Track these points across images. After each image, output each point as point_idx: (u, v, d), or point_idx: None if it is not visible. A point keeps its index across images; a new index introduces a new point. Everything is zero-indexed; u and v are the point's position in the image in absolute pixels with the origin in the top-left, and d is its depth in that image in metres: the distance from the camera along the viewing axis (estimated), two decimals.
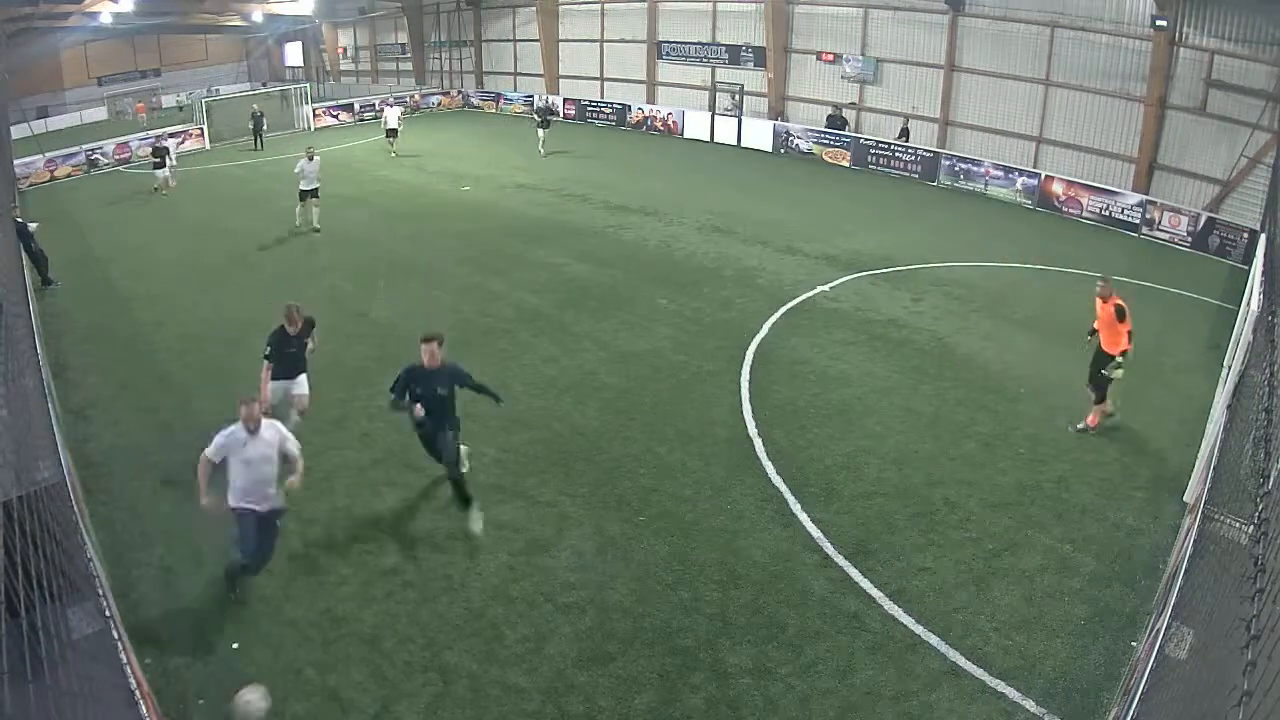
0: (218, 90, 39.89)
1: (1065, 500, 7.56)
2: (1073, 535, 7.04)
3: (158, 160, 21.03)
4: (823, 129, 23.68)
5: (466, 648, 5.82)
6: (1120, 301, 8.23)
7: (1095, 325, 8.60)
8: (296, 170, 16.35)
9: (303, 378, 8.24)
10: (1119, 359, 8.21)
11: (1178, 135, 17.26)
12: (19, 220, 13.69)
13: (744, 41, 26.18)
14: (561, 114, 31.52)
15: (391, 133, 25.41)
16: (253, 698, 4.66)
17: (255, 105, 28.03)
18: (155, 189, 20.86)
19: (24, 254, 13.50)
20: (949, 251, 14.97)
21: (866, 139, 22.70)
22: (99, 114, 39.00)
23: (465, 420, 8.96)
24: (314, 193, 16.47)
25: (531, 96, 33.64)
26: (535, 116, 26.15)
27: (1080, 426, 8.63)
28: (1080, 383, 9.68)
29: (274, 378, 7.93)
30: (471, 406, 9.29)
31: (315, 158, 16.45)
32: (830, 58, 24.03)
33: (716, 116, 26.54)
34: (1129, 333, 8.19)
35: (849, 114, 23.84)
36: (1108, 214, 17.41)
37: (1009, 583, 6.47)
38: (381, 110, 28.85)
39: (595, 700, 5.38)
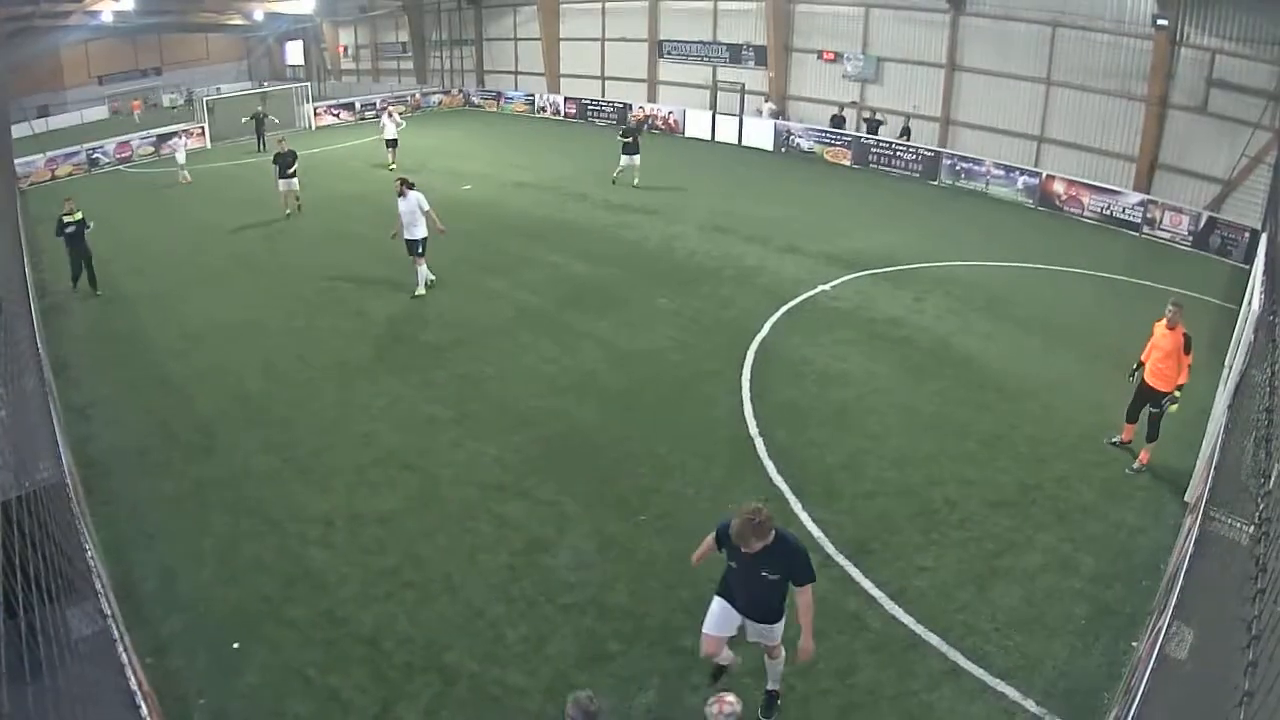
0: (219, 89, 39.90)
1: (1066, 500, 7.55)
2: (1073, 535, 7.03)
3: (284, 166, 17.03)
4: (824, 128, 23.70)
5: (467, 648, 5.82)
6: (1186, 330, 7.73)
7: (1144, 357, 7.96)
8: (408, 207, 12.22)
9: (779, 627, 4.96)
10: (1176, 393, 7.69)
11: (1179, 135, 17.23)
12: (74, 220, 12.79)
13: (745, 40, 26.17)
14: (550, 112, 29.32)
15: (391, 144, 22.82)
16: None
17: (259, 106, 27.81)
18: (286, 213, 17.38)
19: (73, 253, 12.86)
20: (950, 251, 14.95)
21: (867, 138, 22.69)
22: (100, 113, 39.02)
23: (467, 420, 9.04)
24: (421, 246, 12.34)
25: (529, 98, 33.55)
26: (621, 137, 19.98)
27: (1135, 467, 8.06)
28: (1082, 389, 9.70)
29: (724, 594, 4.97)
30: (471, 404, 9.36)
31: (409, 192, 12.21)
32: (831, 57, 24.03)
33: (718, 115, 26.51)
34: (1189, 365, 7.72)
35: (849, 113, 23.86)
36: (1109, 213, 17.39)
37: (1010, 582, 6.46)
38: (380, 117, 24.20)
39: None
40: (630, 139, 19.61)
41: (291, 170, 17.16)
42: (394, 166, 22.26)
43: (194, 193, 20.80)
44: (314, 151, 26.18)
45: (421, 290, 12.59)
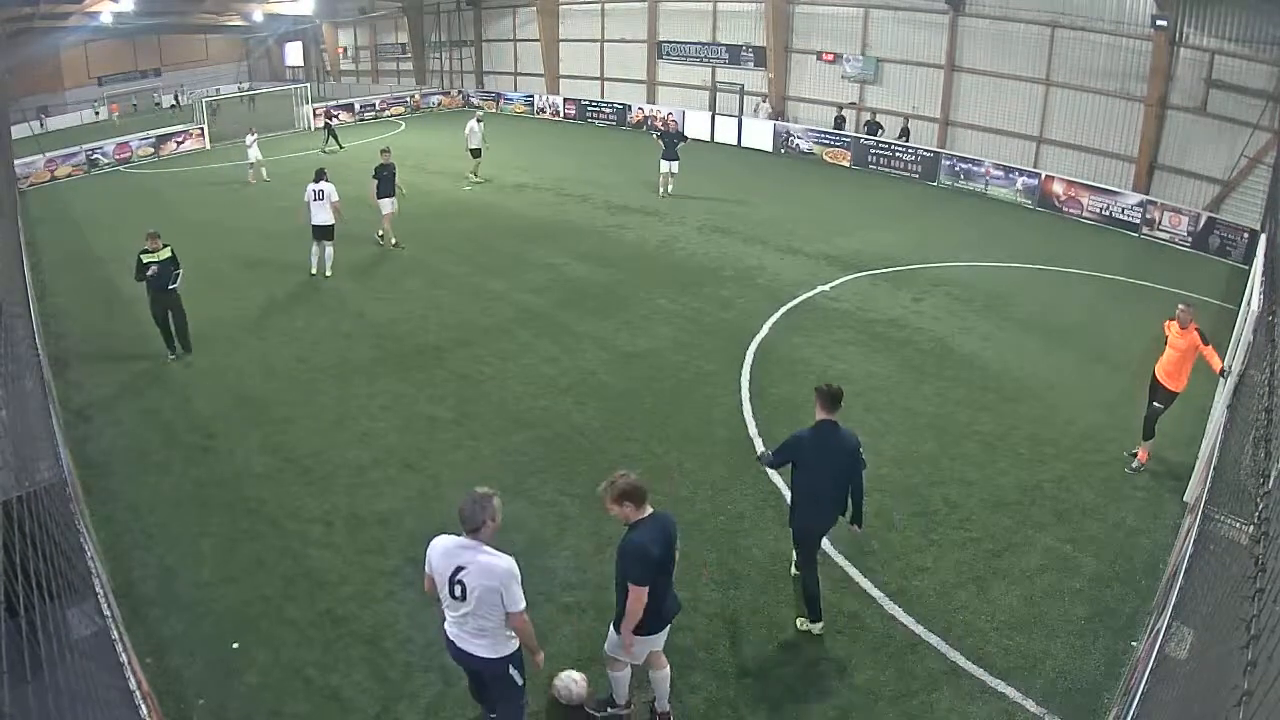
0: (218, 90, 39.95)
1: (1065, 500, 7.55)
2: (1073, 535, 7.04)
3: (386, 183, 14.57)
4: (823, 129, 23.73)
5: None
6: (1199, 327, 7.72)
7: (1164, 366, 7.83)
8: (306, 198, 13.23)
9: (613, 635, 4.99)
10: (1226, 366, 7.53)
11: (1178, 135, 17.27)
12: (156, 259, 9.92)
13: (744, 41, 26.20)
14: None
15: (475, 153, 20.66)
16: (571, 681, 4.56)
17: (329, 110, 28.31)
18: (392, 242, 14.94)
19: (156, 302, 10.17)
20: (949, 251, 14.97)
21: (866, 139, 22.71)
22: (92, 114, 39.08)
23: (467, 420, 9.04)
24: (329, 231, 13.42)
25: (528, 99, 33.53)
26: (660, 142, 18.75)
27: (1134, 466, 8.03)
28: (1082, 389, 9.69)
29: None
30: (471, 404, 9.36)
31: (325, 182, 13.25)
32: (830, 57, 24.06)
33: (717, 116, 26.53)
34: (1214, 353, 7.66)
35: (847, 113, 23.88)
36: (1108, 214, 17.41)
37: (1009, 583, 6.46)
38: (469, 122, 21.07)
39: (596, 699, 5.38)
40: (669, 145, 18.36)
41: (393, 188, 14.93)
42: (478, 179, 20.69)
43: (193, 194, 20.81)
44: (313, 152, 26.25)
45: (329, 272, 13.72)
